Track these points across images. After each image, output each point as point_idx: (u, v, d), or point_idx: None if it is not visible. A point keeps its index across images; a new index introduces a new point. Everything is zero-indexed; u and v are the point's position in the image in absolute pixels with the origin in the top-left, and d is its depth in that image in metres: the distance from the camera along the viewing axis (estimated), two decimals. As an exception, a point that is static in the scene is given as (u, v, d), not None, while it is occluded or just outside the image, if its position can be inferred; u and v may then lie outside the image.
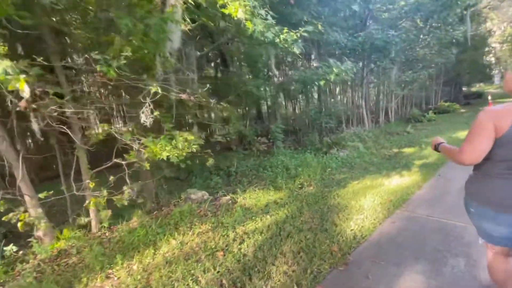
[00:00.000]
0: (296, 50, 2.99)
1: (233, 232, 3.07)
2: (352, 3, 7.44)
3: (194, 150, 2.47)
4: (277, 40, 2.93)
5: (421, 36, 8.85)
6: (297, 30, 3.04)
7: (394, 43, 6.40)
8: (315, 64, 5.55)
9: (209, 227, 3.22)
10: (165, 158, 2.32)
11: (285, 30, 3.00)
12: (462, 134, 7.73)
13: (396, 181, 4.25)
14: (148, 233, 3.07)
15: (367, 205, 3.40)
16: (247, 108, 7.53)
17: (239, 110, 8.64)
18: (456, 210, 3.00)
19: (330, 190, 4.16)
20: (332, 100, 11.82)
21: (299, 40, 3.13)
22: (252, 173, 5.58)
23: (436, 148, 1.59)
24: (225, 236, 3.00)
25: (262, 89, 5.10)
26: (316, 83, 4.54)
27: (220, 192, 4.24)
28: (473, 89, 25.12)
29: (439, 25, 8.61)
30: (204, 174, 5.83)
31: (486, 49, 19.20)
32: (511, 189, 1.27)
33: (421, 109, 13.53)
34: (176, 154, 2.32)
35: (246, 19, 2.57)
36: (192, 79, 2.84)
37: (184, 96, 2.42)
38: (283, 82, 6.43)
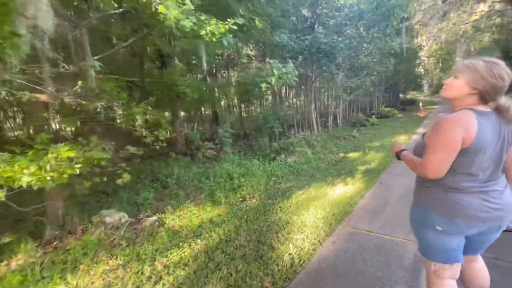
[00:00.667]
0: (225, 44, 2.54)
1: (150, 266, 2.48)
2: (300, 6, 7.38)
3: (77, 172, 1.82)
4: (203, 32, 2.46)
5: (364, 45, 9.32)
6: (225, 22, 2.60)
7: (339, 48, 6.50)
8: (259, 65, 5.21)
9: (120, 262, 2.56)
10: (24, 185, 1.63)
11: (213, 21, 2.53)
12: (402, 138, 8.24)
13: (340, 190, 4.12)
14: (26, 279, 2.28)
15: (309, 220, 3.12)
16: (191, 111, 6.87)
17: (186, 112, 7.90)
18: (396, 221, 2.90)
19: (274, 202, 3.82)
20: (287, 103, 11.80)
21: (230, 35, 2.70)
22: (193, 184, 4.98)
23: (398, 155, 1.46)
24: (139, 274, 2.39)
25: (203, 89, 4.54)
26: (258, 85, 4.16)
27: (146, 212, 3.57)
28: (408, 97, 28.29)
29: (379, 35, 9.18)
30: (137, 186, 5.04)
31: (417, 61, 21.69)
32: (484, 202, 1.18)
33: (366, 114, 14.44)
34: (49, 177, 1.65)
35: (158, 2, 2.04)
36: (90, 75, 2.18)
37: (42, 96, 1.74)
38: (226, 84, 5.96)
